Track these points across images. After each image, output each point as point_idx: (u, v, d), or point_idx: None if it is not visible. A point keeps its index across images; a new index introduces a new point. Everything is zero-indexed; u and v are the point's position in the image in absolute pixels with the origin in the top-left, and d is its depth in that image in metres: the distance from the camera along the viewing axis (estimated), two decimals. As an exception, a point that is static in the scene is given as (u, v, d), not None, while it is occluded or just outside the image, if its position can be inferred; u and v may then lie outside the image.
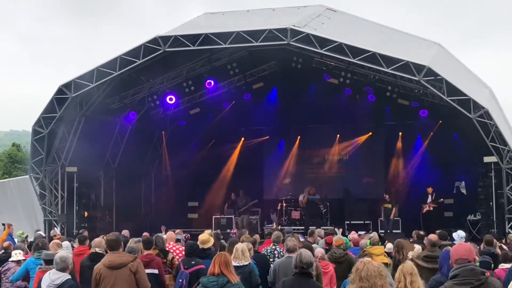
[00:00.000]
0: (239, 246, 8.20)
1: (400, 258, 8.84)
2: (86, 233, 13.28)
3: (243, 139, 24.87)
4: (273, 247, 10.13)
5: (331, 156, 24.70)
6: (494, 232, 16.36)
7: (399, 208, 21.09)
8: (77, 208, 19.48)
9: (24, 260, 9.66)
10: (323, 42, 16.56)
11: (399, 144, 23.42)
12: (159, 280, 8.57)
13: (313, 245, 9.80)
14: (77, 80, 17.83)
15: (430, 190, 21.01)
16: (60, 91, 17.93)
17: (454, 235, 11.41)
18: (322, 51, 16.84)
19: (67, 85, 17.88)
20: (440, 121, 21.75)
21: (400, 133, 23.35)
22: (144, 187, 23.83)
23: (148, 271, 7.93)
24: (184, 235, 15.78)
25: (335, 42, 16.39)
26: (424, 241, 10.83)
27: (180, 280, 8.28)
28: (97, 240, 9.35)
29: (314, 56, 19.76)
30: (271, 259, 9.72)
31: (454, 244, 9.64)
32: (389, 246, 10.52)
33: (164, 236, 11.03)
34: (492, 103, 18.57)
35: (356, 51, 16.38)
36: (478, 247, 9.74)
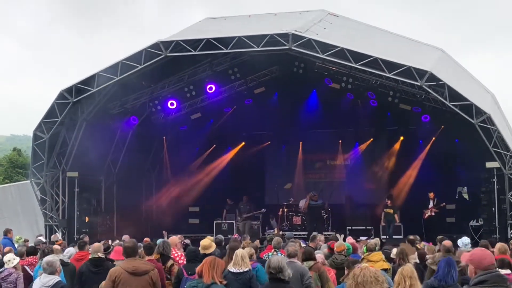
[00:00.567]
0: (239, 252, 8.14)
1: (402, 264, 8.79)
2: (86, 238, 13.27)
3: (243, 143, 24.83)
4: (274, 252, 10.15)
5: (333, 161, 24.65)
6: (496, 238, 16.31)
7: (400, 213, 21.02)
8: (78, 213, 19.39)
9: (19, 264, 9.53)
10: (324, 47, 16.54)
11: (401, 149, 23.37)
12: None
13: (316, 251, 9.75)
14: (78, 85, 17.82)
15: (431, 195, 20.95)
16: (61, 96, 17.91)
17: (459, 242, 11.33)
18: (323, 56, 16.81)
19: (68, 90, 17.86)
20: (442, 126, 21.67)
21: (402, 138, 23.32)
22: (145, 192, 23.77)
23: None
24: (180, 240, 15.66)
25: (337, 47, 16.38)
26: (438, 247, 10.84)
27: (185, 287, 8.23)
28: (96, 245, 9.29)
29: (316, 61, 19.72)
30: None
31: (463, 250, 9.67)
32: (395, 251, 10.47)
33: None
34: (494, 109, 18.53)
35: (358, 56, 16.36)
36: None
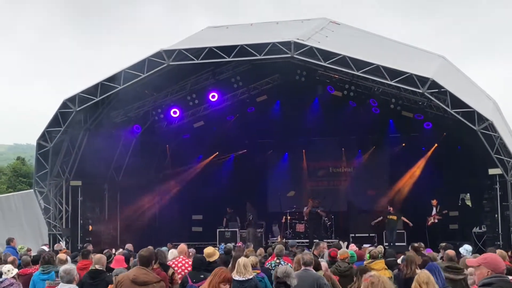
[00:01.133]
0: (241, 260, 8.17)
1: (407, 272, 8.78)
2: (90, 247, 13.24)
3: (245, 150, 24.88)
4: (277, 260, 10.19)
5: (336, 169, 24.67)
6: (500, 244, 16.31)
7: (403, 220, 21.01)
8: (81, 222, 19.42)
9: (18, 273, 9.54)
10: (326, 55, 16.60)
11: (403, 156, 23.38)
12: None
13: (320, 259, 9.76)
14: (82, 94, 17.89)
15: (434, 202, 20.95)
16: (64, 105, 17.98)
17: (461, 249, 11.34)
18: (325, 64, 16.86)
19: (71, 99, 17.94)
20: (444, 133, 21.69)
21: (404, 145, 23.35)
22: (148, 201, 23.76)
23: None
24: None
25: (339, 55, 16.42)
26: (442, 254, 10.93)
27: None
28: (97, 256, 9.26)
29: (318, 69, 19.78)
30: (276, 273, 9.72)
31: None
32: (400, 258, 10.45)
33: (164, 249, 11.02)
34: (496, 115, 18.54)
35: (359, 64, 16.40)
36: None
